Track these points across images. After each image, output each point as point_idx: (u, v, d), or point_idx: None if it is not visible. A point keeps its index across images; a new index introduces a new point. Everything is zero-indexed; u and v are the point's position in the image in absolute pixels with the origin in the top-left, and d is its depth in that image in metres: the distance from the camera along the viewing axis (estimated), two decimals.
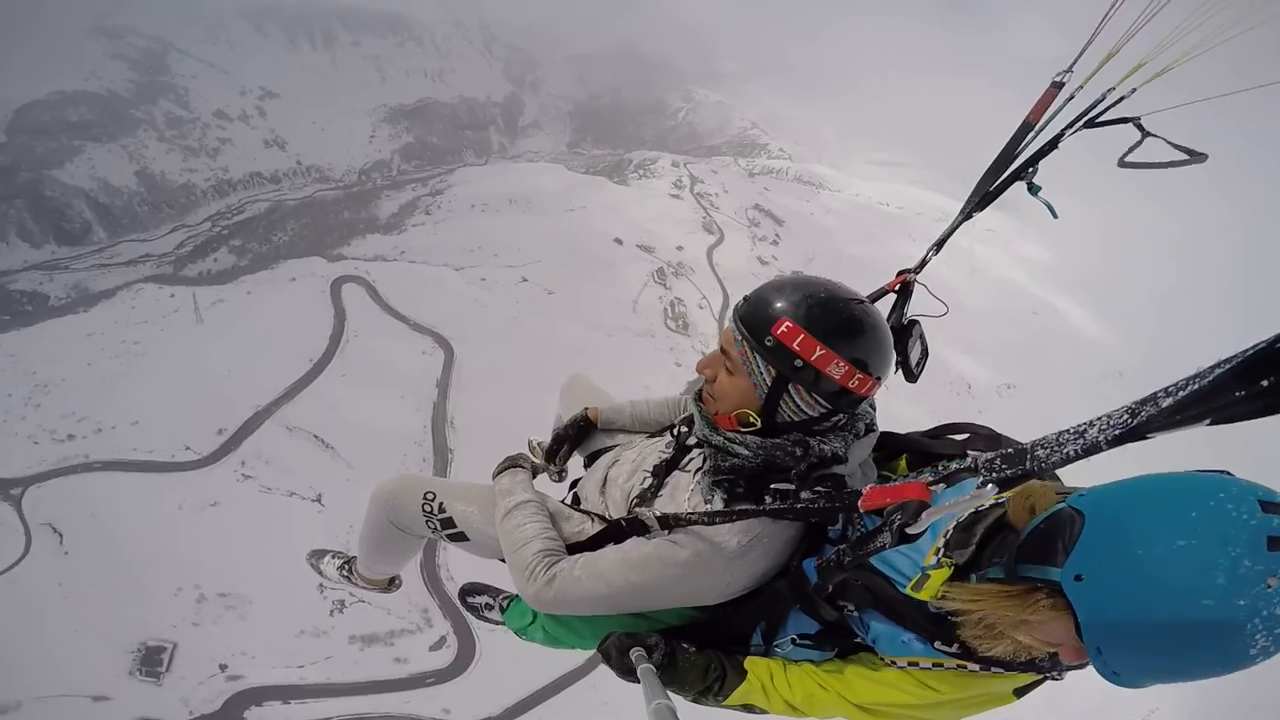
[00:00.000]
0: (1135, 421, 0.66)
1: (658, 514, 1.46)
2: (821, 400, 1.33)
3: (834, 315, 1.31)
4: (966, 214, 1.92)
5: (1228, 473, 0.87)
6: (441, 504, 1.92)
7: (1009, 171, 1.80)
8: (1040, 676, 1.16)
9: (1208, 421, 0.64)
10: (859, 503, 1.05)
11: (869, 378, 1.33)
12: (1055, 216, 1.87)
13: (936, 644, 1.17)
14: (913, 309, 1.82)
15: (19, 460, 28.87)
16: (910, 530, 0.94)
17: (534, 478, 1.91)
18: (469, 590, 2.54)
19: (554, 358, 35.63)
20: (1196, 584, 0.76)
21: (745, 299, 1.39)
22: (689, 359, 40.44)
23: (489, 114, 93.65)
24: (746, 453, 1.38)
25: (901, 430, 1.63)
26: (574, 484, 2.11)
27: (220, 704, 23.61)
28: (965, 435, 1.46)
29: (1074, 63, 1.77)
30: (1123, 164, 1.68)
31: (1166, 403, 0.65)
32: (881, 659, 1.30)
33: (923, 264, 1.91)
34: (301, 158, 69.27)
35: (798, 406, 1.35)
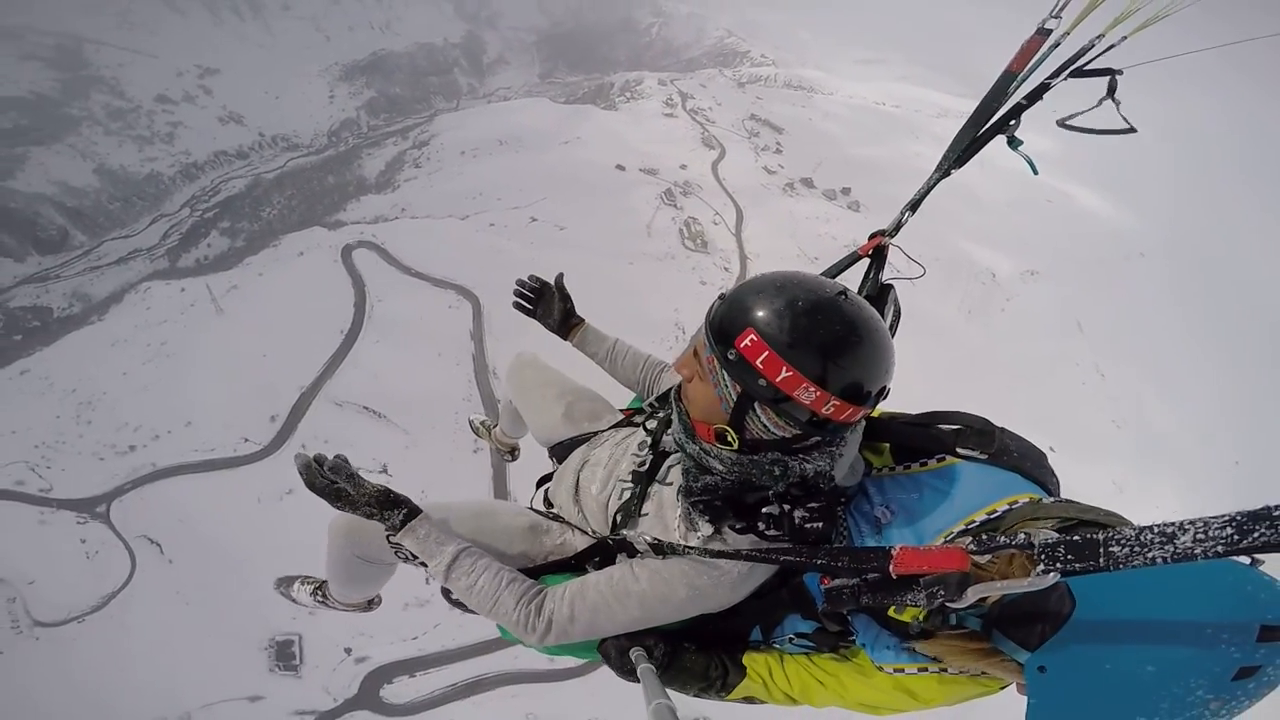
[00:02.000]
0: (1244, 541, 0.58)
1: (650, 540, 1.31)
2: (792, 424, 1.16)
3: (809, 330, 1.08)
4: (945, 171, 1.75)
5: (1259, 562, 0.81)
6: None
7: (990, 124, 1.66)
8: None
9: None
10: (891, 567, 0.91)
11: (847, 405, 1.11)
12: (1035, 173, 1.73)
13: (918, 647, 1.11)
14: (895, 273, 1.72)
15: (93, 478, 29.00)
16: (953, 605, 0.85)
17: (414, 513, 1.51)
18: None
19: (580, 292, 34.86)
20: (1142, 708, 0.79)
21: (722, 297, 1.21)
22: (713, 276, 39.83)
23: (450, 57, 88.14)
24: (721, 468, 1.25)
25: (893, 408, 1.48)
26: (542, 480, 1.97)
27: (357, 687, 24.75)
28: (956, 426, 1.29)
29: (1062, 6, 1.60)
30: (1061, 124, 1.65)
31: None
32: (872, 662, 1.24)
33: (898, 227, 1.77)
34: (264, 129, 65.64)
35: (765, 426, 1.19)
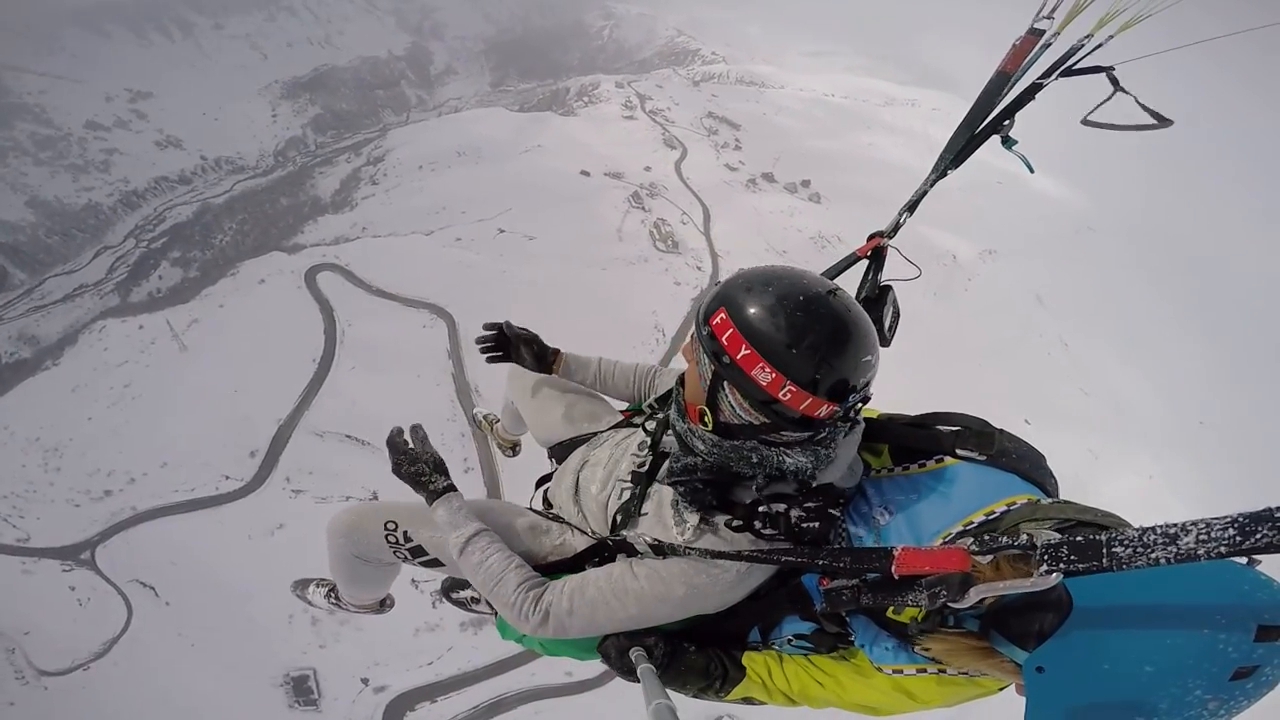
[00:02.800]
0: (1247, 542, 0.59)
1: (650, 541, 1.33)
2: (753, 410, 1.18)
3: (776, 315, 1.10)
4: (941, 172, 1.78)
5: (1255, 562, 0.82)
6: (406, 533, 1.75)
7: (983, 125, 1.68)
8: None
9: None
10: (893, 567, 0.93)
11: (805, 394, 1.12)
12: (1031, 171, 1.79)
13: (916, 648, 1.13)
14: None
15: (70, 526, 27.69)
16: (955, 605, 0.86)
17: (446, 473, 1.69)
18: (453, 586, 2.34)
19: (556, 301, 34.87)
20: (1140, 708, 0.79)
21: (716, 283, 1.26)
22: (687, 277, 40.18)
23: (396, 69, 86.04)
24: (702, 448, 1.28)
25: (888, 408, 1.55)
26: (542, 480, 1.99)
27: (381, 717, 24.27)
28: (955, 428, 1.30)
29: (1054, 7, 1.62)
30: (1086, 122, 1.62)
31: None
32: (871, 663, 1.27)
33: (895, 228, 1.79)
34: (205, 152, 62.85)
35: (733, 408, 1.22)
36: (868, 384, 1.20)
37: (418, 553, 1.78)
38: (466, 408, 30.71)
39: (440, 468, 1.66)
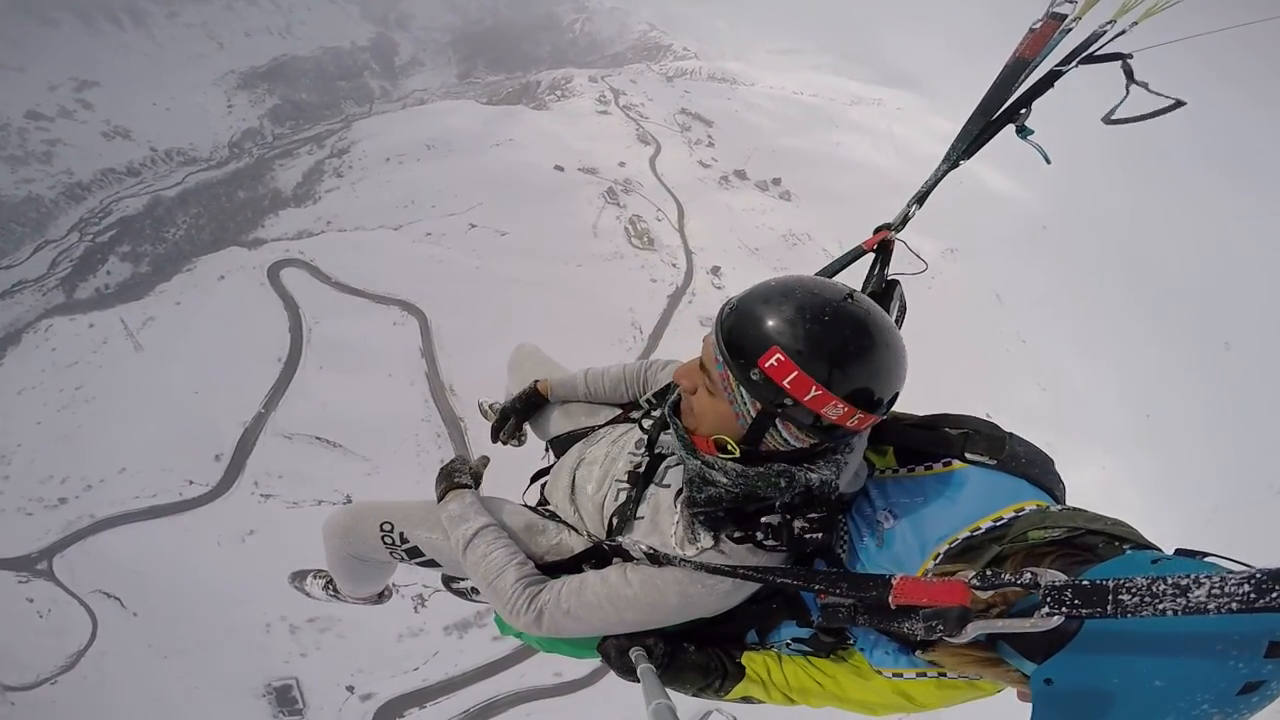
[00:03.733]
0: (1261, 600, 0.57)
1: (646, 549, 1.33)
2: (812, 435, 1.16)
3: (834, 345, 1.08)
4: (954, 162, 1.72)
5: None
6: (402, 534, 1.78)
7: (999, 113, 1.61)
8: None
9: None
10: (890, 597, 0.90)
11: (870, 415, 1.13)
12: (1049, 162, 1.72)
13: (918, 653, 1.13)
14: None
15: (23, 535, 26.14)
16: (952, 641, 0.85)
17: (478, 485, 1.77)
18: (452, 577, 2.37)
19: (532, 299, 34.55)
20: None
21: (731, 309, 1.17)
22: (663, 274, 40.34)
23: (359, 60, 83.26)
24: (725, 480, 1.23)
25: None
26: (538, 475, 2.01)
27: None
28: (964, 430, 1.28)
29: None
30: (1108, 121, 1.58)
31: None
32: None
33: (904, 220, 1.74)
34: (155, 144, 59.65)
35: (784, 439, 1.18)
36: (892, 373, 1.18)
37: (414, 553, 1.78)
38: (441, 408, 30.16)
39: (477, 479, 1.75)
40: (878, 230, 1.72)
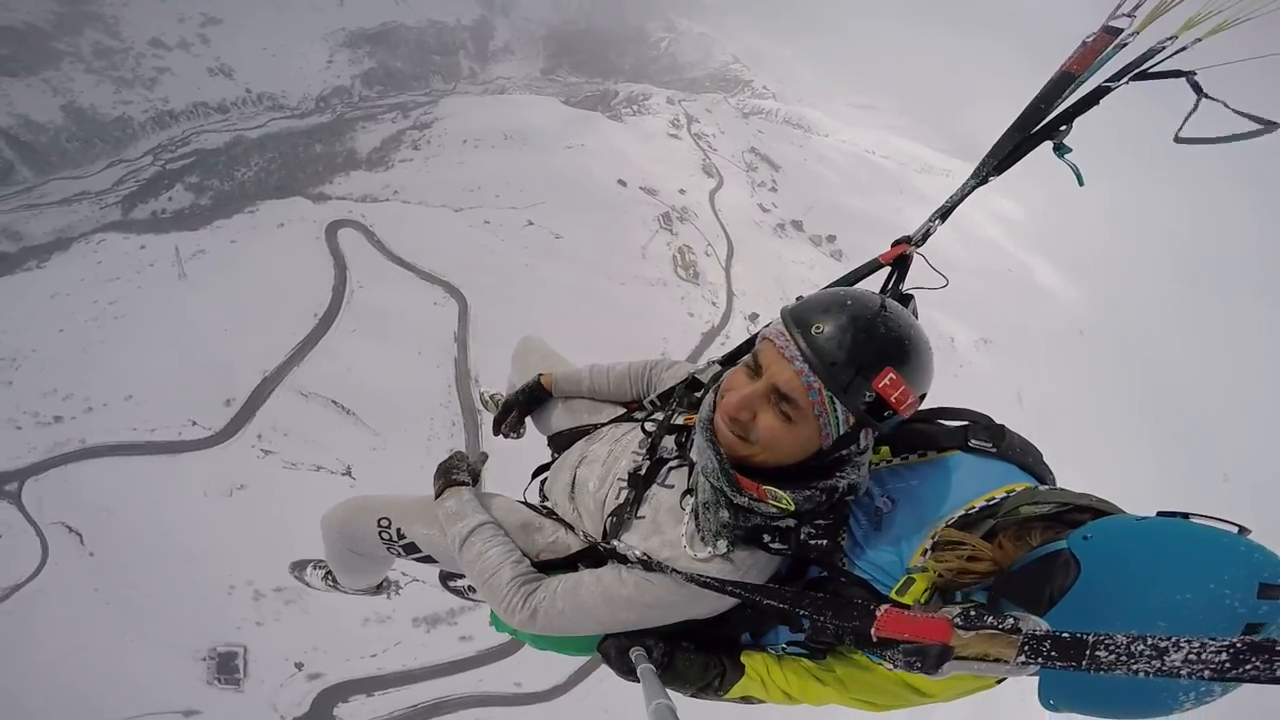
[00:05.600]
0: (1234, 670, 0.58)
1: (640, 555, 1.37)
2: (875, 433, 1.25)
3: (924, 359, 1.20)
4: (982, 178, 1.64)
5: (1246, 530, 0.88)
6: (399, 530, 1.81)
7: (1038, 127, 1.51)
8: None
9: None
10: (872, 629, 0.93)
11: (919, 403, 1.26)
12: (1081, 184, 1.62)
13: None
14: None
15: (3, 449, 25.77)
16: (929, 677, 0.88)
17: (476, 482, 1.81)
18: (448, 575, 2.45)
19: (572, 308, 34.63)
20: None
21: (809, 332, 1.16)
22: (701, 310, 40.14)
23: (458, 38, 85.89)
24: (775, 509, 1.25)
25: None
26: (539, 471, 2.00)
27: (309, 705, 23.16)
28: (963, 422, 1.38)
29: (1136, 5, 1.47)
30: (1179, 140, 1.45)
31: None
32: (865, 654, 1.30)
33: (925, 235, 1.70)
34: (251, 85, 62.00)
35: (860, 446, 1.25)
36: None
37: (411, 549, 1.81)
38: (464, 396, 30.25)
39: (475, 476, 1.80)
40: (896, 244, 1.69)
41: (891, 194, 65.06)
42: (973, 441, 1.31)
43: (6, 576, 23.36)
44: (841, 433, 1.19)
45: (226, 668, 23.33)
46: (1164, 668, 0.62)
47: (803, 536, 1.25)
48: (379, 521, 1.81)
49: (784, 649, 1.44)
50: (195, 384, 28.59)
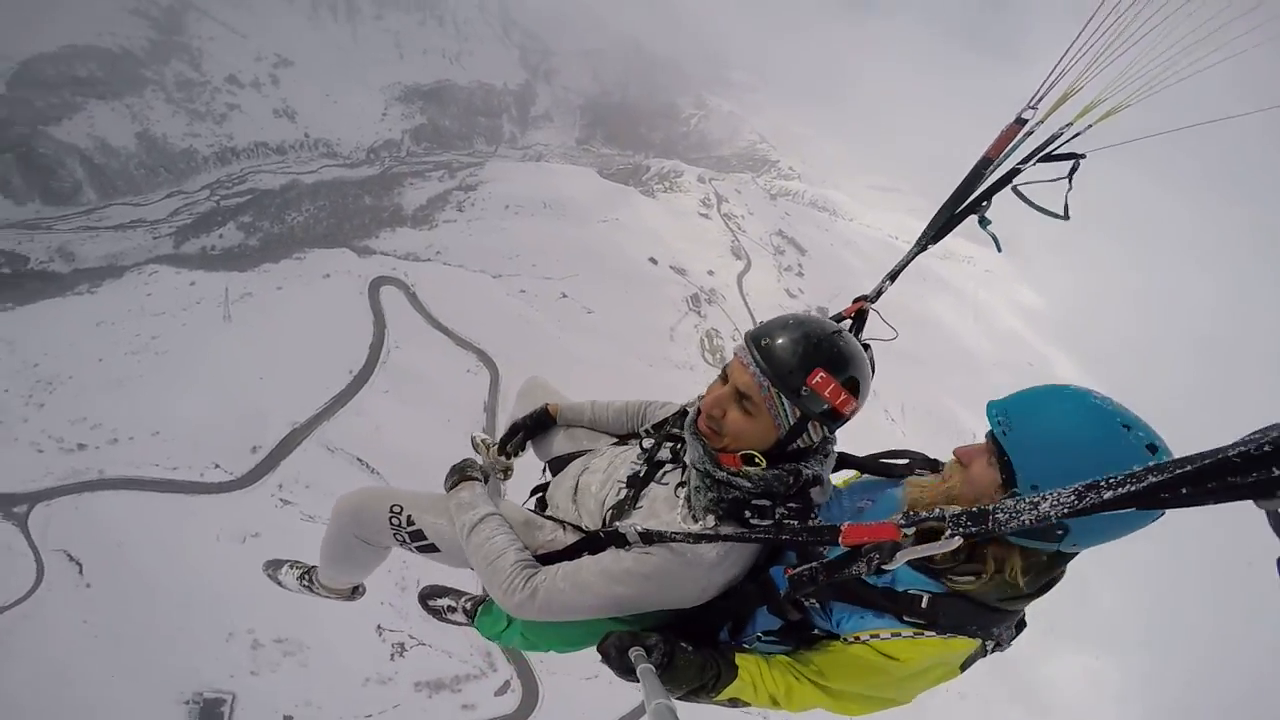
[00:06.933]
0: (1081, 504, 0.81)
1: (639, 529, 1.55)
2: (826, 431, 1.56)
3: (853, 363, 1.50)
4: (922, 246, 2.06)
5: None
6: (410, 517, 1.95)
7: (964, 204, 1.93)
8: (982, 646, 1.40)
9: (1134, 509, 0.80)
10: (840, 538, 1.17)
11: (858, 408, 1.56)
12: (1000, 250, 2.07)
13: (905, 617, 1.37)
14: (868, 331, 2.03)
15: (21, 471, 25.92)
16: (885, 568, 1.10)
17: (486, 483, 1.94)
18: (430, 594, 2.58)
19: (600, 387, 34.89)
20: (1093, 425, 1.18)
21: (760, 345, 1.50)
22: None
23: (503, 101, 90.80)
24: (748, 484, 1.52)
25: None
26: (536, 490, 2.16)
27: None
28: (906, 460, 1.70)
29: (1037, 99, 1.84)
30: (1015, 190, 1.90)
31: (1107, 495, 0.78)
32: (845, 640, 1.45)
33: (878, 293, 2.06)
34: (310, 130, 65.45)
35: (810, 438, 1.55)
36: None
37: (417, 536, 1.93)
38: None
39: (485, 476, 1.97)
40: (856, 300, 2.02)
41: (913, 280, 65.60)
42: (917, 471, 1.63)
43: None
44: (791, 423, 1.50)
45: (210, 715, 22.44)
46: (1039, 514, 0.87)
47: (778, 516, 1.48)
48: (391, 508, 1.95)
49: (760, 637, 1.61)
50: (224, 427, 28.86)
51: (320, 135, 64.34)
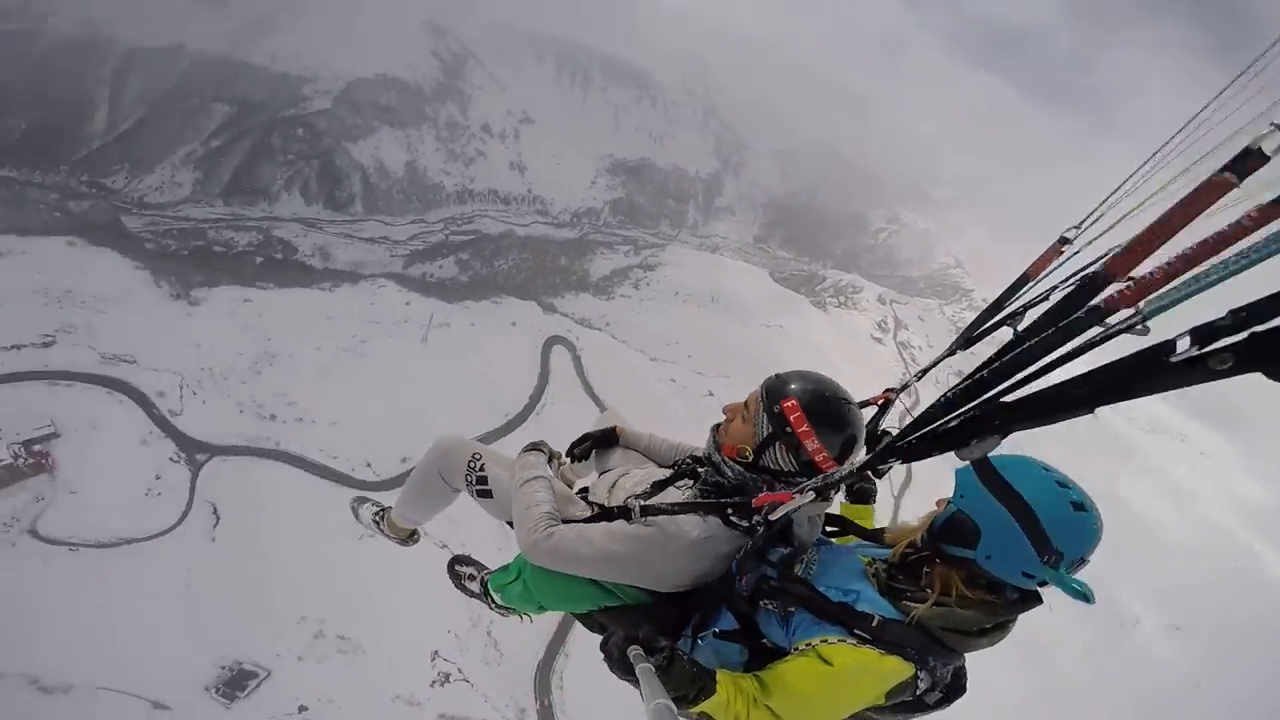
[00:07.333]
0: (900, 442, 1.18)
1: (643, 504, 1.81)
2: (794, 462, 1.73)
3: (827, 409, 1.70)
4: (952, 350, 2.11)
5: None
6: (483, 465, 2.29)
7: (998, 317, 1.92)
8: (914, 677, 1.49)
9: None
10: (754, 501, 1.64)
11: (833, 462, 1.72)
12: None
13: (855, 630, 1.50)
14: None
15: (221, 425, 30.90)
16: (770, 517, 1.59)
17: (550, 461, 2.25)
18: (459, 560, 2.86)
19: None
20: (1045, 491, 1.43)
21: (778, 376, 1.79)
22: None
23: (693, 188, 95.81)
24: (729, 473, 1.83)
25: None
26: (581, 491, 2.38)
27: None
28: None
29: (1083, 221, 1.85)
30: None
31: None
32: (794, 650, 1.56)
33: (904, 387, 2.20)
34: (532, 186, 75.04)
35: (776, 459, 1.75)
36: (855, 454, 1.76)
37: (481, 482, 2.27)
38: None
39: (550, 456, 2.29)
40: (885, 390, 2.19)
41: (1110, 453, 54.68)
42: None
43: (136, 529, 26.40)
44: (765, 434, 1.73)
45: (236, 684, 23.21)
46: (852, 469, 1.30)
47: (754, 520, 1.69)
48: (474, 455, 2.31)
49: (715, 633, 1.76)
50: (389, 434, 32.43)
51: (540, 192, 73.81)
